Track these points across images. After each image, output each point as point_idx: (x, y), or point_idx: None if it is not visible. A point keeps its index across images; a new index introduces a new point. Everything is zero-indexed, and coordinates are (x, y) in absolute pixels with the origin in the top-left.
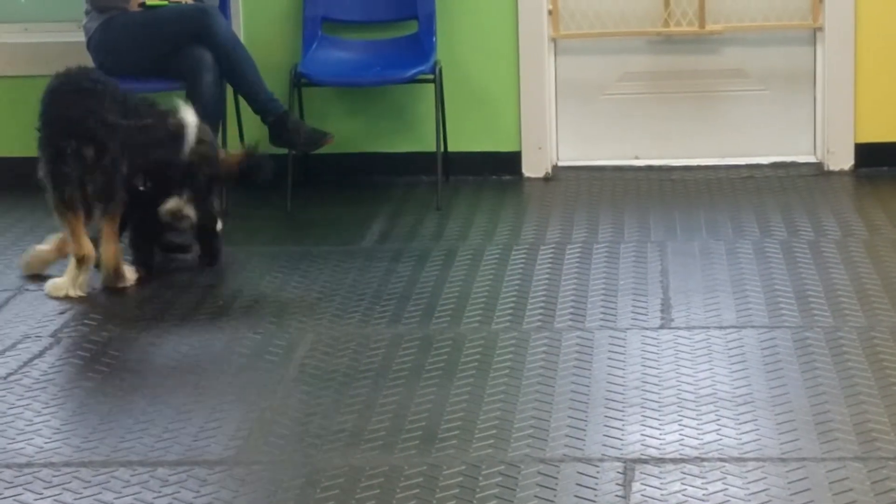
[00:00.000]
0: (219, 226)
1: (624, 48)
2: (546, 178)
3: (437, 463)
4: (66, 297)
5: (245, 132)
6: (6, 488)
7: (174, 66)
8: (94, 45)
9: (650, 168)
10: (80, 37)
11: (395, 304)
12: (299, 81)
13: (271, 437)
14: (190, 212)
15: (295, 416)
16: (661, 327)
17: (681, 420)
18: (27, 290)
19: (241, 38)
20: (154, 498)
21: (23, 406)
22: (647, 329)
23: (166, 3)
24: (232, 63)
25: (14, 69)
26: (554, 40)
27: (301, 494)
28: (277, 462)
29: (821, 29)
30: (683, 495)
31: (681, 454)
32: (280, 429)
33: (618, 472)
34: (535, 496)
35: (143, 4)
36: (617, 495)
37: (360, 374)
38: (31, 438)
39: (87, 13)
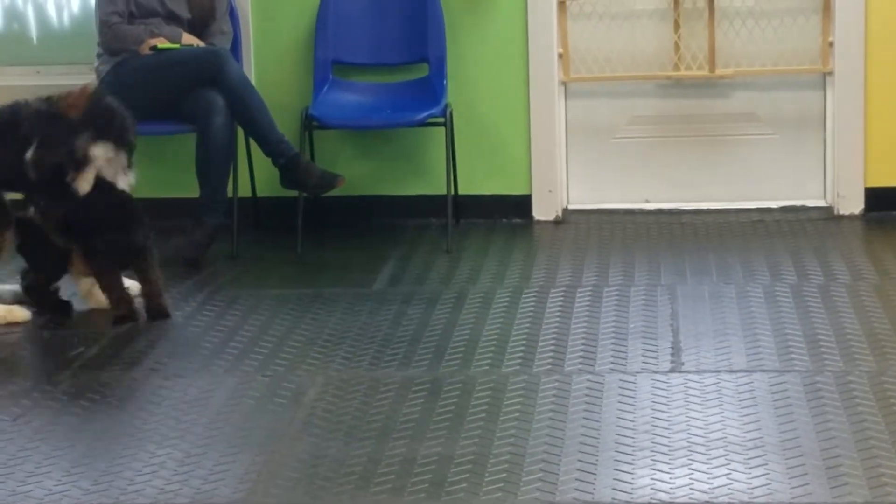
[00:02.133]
0: None
1: (634, 92)
2: (556, 221)
3: None
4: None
5: (256, 175)
6: None
7: (185, 109)
8: (105, 87)
9: (660, 211)
10: (92, 78)
11: (405, 348)
12: (310, 124)
13: (280, 480)
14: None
15: (304, 459)
16: (672, 371)
17: (691, 464)
18: (40, 331)
19: (252, 80)
20: None
21: (32, 448)
22: (657, 373)
23: (178, 46)
24: (243, 106)
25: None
26: (564, 84)
27: None
28: None
29: (831, 73)
30: None
31: (691, 498)
32: (289, 472)
33: None
34: None
35: (154, 47)
36: None
37: (369, 418)
38: (41, 481)
39: (98, 56)
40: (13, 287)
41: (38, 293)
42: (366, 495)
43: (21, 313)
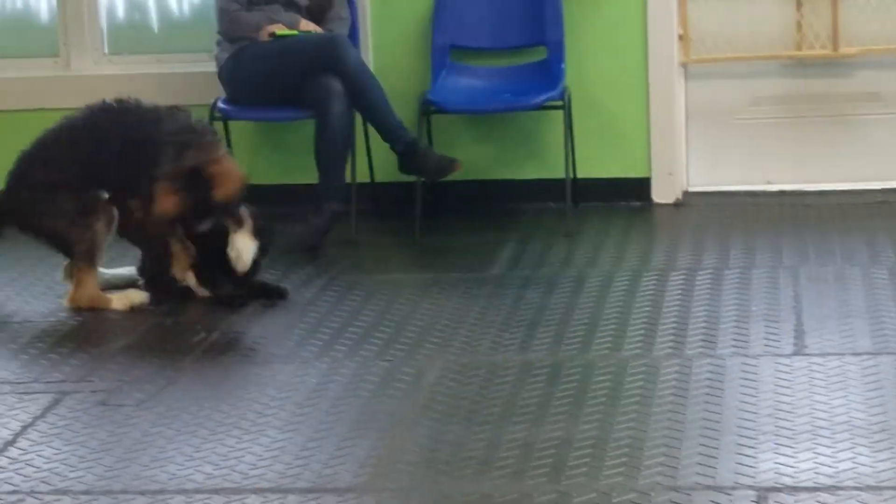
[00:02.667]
0: None
1: (755, 72)
2: (676, 204)
3: (566, 490)
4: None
5: (374, 160)
6: None
7: (304, 96)
8: (224, 74)
9: (782, 193)
10: (212, 67)
11: (524, 332)
12: (428, 109)
13: (400, 464)
14: None
15: (424, 444)
16: (795, 354)
17: (815, 448)
18: (159, 319)
19: (371, 66)
20: None
21: (156, 433)
22: (779, 356)
23: (296, 32)
24: (361, 92)
25: (148, 99)
26: (684, 65)
27: None
28: (407, 489)
29: None
30: None
31: (815, 483)
32: (409, 456)
33: (751, 501)
34: None
35: (273, 34)
36: None
37: (488, 402)
38: (164, 465)
39: (218, 44)
40: (125, 271)
41: (157, 281)
42: (486, 479)
43: (138, 296)
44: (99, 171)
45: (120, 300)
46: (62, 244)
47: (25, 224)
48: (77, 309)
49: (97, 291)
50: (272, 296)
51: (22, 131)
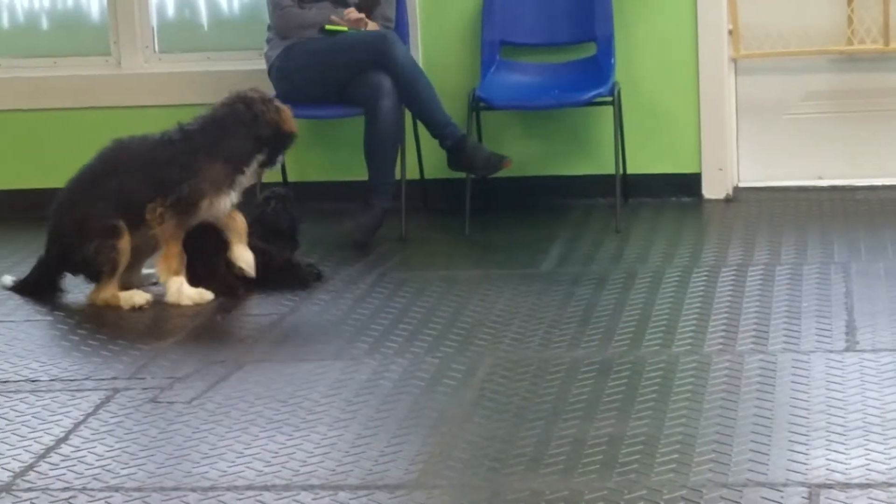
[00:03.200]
0: None
1: (806, 67)
2: (727, 200)
3: (617, 487)
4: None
5: (423, 157)
6: None
7: (353, 92)
8: (274, 72)
9: (833, 188)
10: (262, 65)
11: (574, 328)
12: (477, 105)
13: (451, 460)
14: None
15: (474, 440)
16: (846, 350)
17: (867, 444)
18: (209, 315)
19: (420, 63)
20: None
21: (207, 430)
22: (831, 352)
23: (346, 29)
24: (411, 88)
25: (198, 97)
26: (734, 60)
27: None
28: (457, 486)
29: None
30: None
31: (867, 479)
32: (460, 452)
33: (802, 498)
34: None
35: (322, 29)
36: None
37: (539, 398)
38: (215, 462)
39: (268, 41)
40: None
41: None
42: (536, 476)
43: (140, 297)
44: (124, 200)
45: (126, 300)
46: (92, 267)
47: (68, 265)
48: (94, 306)
49: (113, 292)
50: (307, 279)
51: (74, 130)
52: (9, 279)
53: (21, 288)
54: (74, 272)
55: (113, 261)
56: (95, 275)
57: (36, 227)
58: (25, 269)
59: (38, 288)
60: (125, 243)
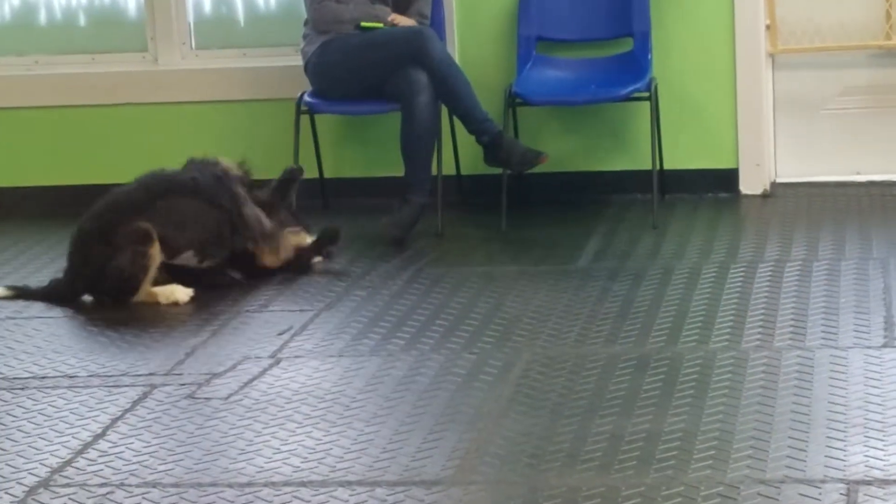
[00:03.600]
0: None
1: (844, 62)
2: (764, 195)
3: (655, 484)
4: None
5: (460, 152)
6: None
7: (390, 88)
8: (311, 68)
9: (872, 183)
10: (298, 61)
11: (611, 324)
12: (514, 101)
13: (487, 457)
14: None
15: (511, 437)
16: (885, 346)
17: None
18: (246, 311)
19: (456, 58)
20: None
21: (243, 426)
22: (869, 347)
23: (381, 25)
24: (447, 84)
25: (234, 94)
26: (772, 55)
27: None
28: (494, 482)
29: None
30: None
31: None
32: (496, 449)
33: (840, 494)
34: None
35: (358, 25)
36: None
37: (576, 394)
38: (252, 458)
39: (304, 37)
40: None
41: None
42: (573, 472)
43: (181, 292)
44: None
45: (165, 295)
46: (126, 277)
47: (93, 284)
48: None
49: (148, 291)
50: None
51: (111, 126)
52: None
53: (25, 294)
54: (98, 291)
55: (146, 268)
56: (128, 285)
57: (71, 224)
58: (61, 264)
59: (44, 300)
60: (156, 249)
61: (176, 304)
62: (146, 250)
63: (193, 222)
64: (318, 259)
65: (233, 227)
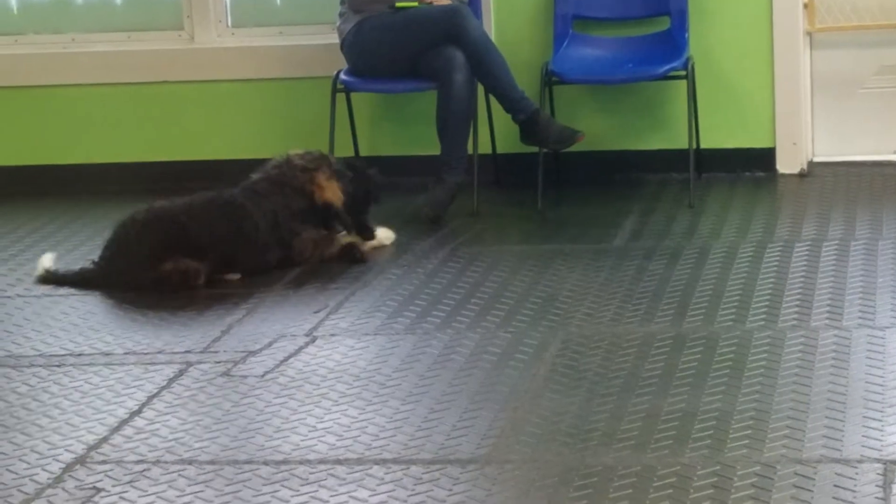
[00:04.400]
0: None
1: (882, 41)
2: (801, 175)
3: (690, 463)
4: None
5: (496, 131)
6: (264, 485)
7: (426, 67)
8: (347, 46)
9: None
10: (334, 39)
11: (647, 303)
12: (550, 79)
13: (523, 435)
14: None
15: (546, 415)
16: None
17: None
18: (282, 289)
19: (492, 37)
20: (408, 496)
21: (279, 404)
22: None
23: (417, 4)
24: (483, 62)
25: (270, 72)
26: (809, 34)
27: (554, 494)
28: (529, 461)
29: None
30: None
31: None
32: (532, 428)
33: (877, 474)
34: (792, 497)
35: (393, 6)
36: (877, 497)
37: (611, 374)
38: (287, 436)
39: (340, 15)
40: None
41: None
42: (609, 451)
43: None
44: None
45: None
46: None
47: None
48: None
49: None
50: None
51: (147, 104)
52: (49, 259)
53: (55, 279)
54: (130, 287)
55: (188, 284)
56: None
57: (108, 201)
58: (99, 242)
59: (69, 285)
60: (201, 280)
61: (229, 281)
62: (192, 283)
63: (245, 253)
64: (370, 243)
65: (284, 250)
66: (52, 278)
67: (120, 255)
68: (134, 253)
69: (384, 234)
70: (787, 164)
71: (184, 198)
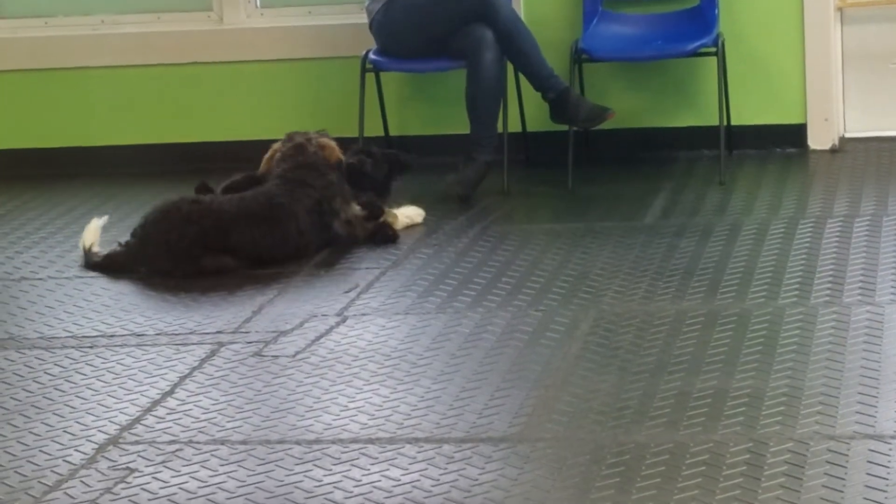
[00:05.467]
0: None
1: None
2: (832, 150)
3: (723, 440)
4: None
5: (526, 109)
6: (296, 464)
7: (456, 45)
8: (376, 26)
9: None
10: (363, 19)
11: (678, 280)
12: (580, 57)
13: (554, 413)
14: None
15: (578, 393)
16: None
17: None
18: (312, 270)
19: (522, 15)
20: (440, 474)
21: (311, 384)
22: None
23: None
24: (513, 41)
25: (299, 52)
26: (840, 9)
27: (586, 471)
28: (561, 439)
29: None
30: None
31: None
32: (563, 405)
33: None
34: (825, 473)
35: None
36: None
37: (643, 351)
38: (319, 415)
39: None
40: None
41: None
42: (641, 429)
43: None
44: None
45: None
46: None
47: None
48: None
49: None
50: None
51: (176, 85)
52: (99, 222)
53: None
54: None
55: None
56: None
57: (140, 182)
58: (130, 225)
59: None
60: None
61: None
62: (226, 271)
63: (284, 253)
64: (402, 220)
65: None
66: (88, 261)
67: (154, 242)
68: (173, 244)
69: (414, 212)
70: (818, 139)
71: (227, 196)
